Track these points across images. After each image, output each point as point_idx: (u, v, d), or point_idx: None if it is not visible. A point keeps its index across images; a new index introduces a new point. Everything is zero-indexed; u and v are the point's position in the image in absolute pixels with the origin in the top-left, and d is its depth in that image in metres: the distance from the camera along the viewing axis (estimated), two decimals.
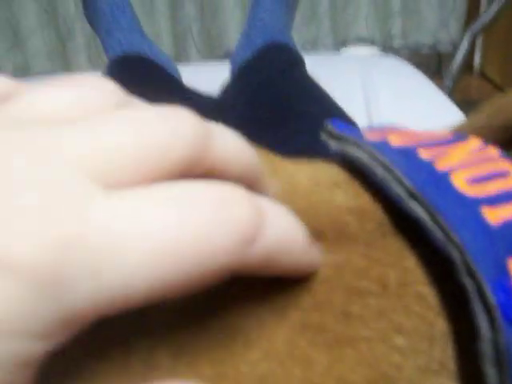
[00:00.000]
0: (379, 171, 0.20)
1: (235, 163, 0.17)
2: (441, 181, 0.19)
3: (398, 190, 0.19)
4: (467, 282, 0.17)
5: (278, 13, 1.02)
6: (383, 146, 0.21)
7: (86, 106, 0.16)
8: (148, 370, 0.16)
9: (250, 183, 0.18)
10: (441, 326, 0.18)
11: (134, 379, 0.16)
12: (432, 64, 2.22)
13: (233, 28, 1.95)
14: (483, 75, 2.31)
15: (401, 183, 0.19)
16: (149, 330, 0.16)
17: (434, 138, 0.23)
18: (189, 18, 1.94)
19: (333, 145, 0.23)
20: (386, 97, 1.00)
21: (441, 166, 0.20)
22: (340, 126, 0.24)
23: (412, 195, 0.19)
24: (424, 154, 0.21)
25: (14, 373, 0.12)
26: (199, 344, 0.16)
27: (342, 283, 0.18)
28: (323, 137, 0.24)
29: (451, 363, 0.17)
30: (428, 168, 0.20)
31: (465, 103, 1.04)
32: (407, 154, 0.21)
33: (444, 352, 0.17)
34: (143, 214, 0.13)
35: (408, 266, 0.19)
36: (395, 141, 0.22)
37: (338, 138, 0.23)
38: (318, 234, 0.19)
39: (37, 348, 0.13)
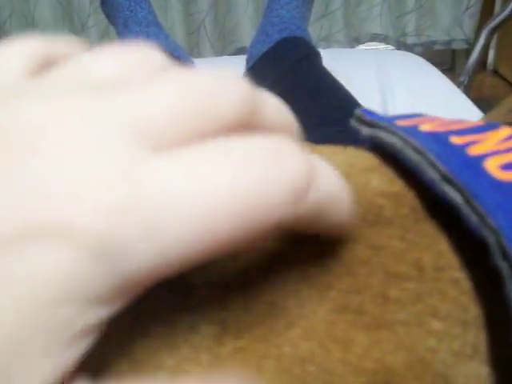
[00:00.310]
0: (413, 155, 0.20)
1: (280, 125, 0.17)
2: (474, 165, 0.19)
3: (431, 174, 0.19)
4: (503, 265, 0.17)
5: (294, 8, 1.02)
6: (415, 132, 0.21)
7: (133, 70, 0.16)
8: (191, 349, 0.16)
9: None
10: (474, 310, 0.18)
11: (178, 357, 0.16)
12: (445, 61, 2.21)
13: (246, 23, 1.94)
14: (496, 73, 2.30)
15: (434, 167, 0.19)
16: (192, 308, 0.16)
17: (465, 125, 0.23)
18: (202, 13, 1.94)
19: (364, 130, 0.23)
20: (402, 92, 1.00)
21: (473, 151, 0.20)
22: (370, 113, 0.24)
23: (446, 179, 0.19)
24: (456, 140, 0.21)
25: (73, 340, 0.13)
26: (242, 322, 0.16)
27: (380, 266, 0.18)
28: (353, 123, 0.24)
29: (484, 348, 0.17)
30: (461, 153, 0.20)
31: (478, 100, 1.04)
32: (439, 140, 0.21)
33: (477, 337, 0.17)
34: (195, 172, 0.13)
35: (442, 250, 0.19)
36: (426, 127, 0.22)
37: (369, 125, 0.23)
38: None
39: (93, 315, 0.13)
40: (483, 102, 1.07)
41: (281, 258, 0.17)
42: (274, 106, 0.17)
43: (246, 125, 0.15)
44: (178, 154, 0.13)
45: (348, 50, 1.39)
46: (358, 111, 0.24)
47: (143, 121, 0.14)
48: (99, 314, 0.13)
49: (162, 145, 0.14)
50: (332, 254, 0.18)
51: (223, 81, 0.15)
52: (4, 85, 0.16)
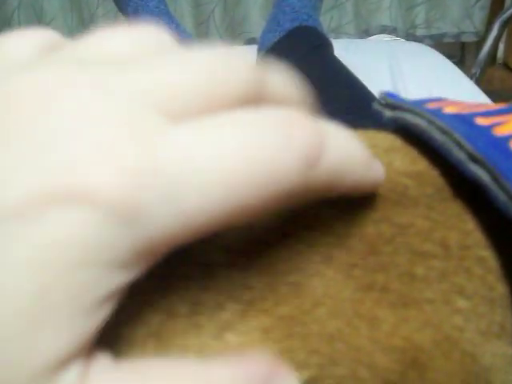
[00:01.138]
0: (438, 136, 0.20)
1: (290, 98, 0.17)
2: (501, 145, 0.19)
3: (458, 154, 0.19)
4: None
5: None
6: (439, 113, 0.21)
7: (144, 46, 0.16)
8: (216, 329, 0.16)
9: None
10: (501, 289, 0.18)
11: (203, 337, 0.16)
12: (455, 54, 2.20)
13: (255, 14, 1.94)
14: (506, 66, 2.28)
15: (461, 147, 0.19)
16: (217, 288, 0.17)
17: (489, 107, 0.23)
18: (211, 4, 1.94)
19: (388, 113, 0.23)
20: (414, 83, 1.00)
21: (499, 132, 0.20)
22: (394, 96, 0.24)
23: (473, 159, 0.19)
24: (481, 121, 0.21)
25: (95, 307, 0.13)
26: (267, 301, 0.16)
27: (406, 245, 0.18)
28: (376, 106, 0.24)
29: (511, 327, 0.17)
30: (487, 133, 0.20)
31: (489, 93, 1.04)
32: (465, 120, 0.21)
33: (504, 316, 0.17)
34: (214, 139, 0.13)
35: (468, 229, 0.19)
36: (450, 110, 0.22)
37: (392, 107, 0.23)
38: (378, 197, 0.19)
39: (115, 280, 0.13)
40: (494, 95, 1.06)
41: (303, 240, 0.17)
42: (281, 80, 0.17)
43: (256, 99, 0.16)
44: (197, 122, 0.14)
45: (359, 40, 1.39)
46: (382, 93, 0.24)
47: (158, 92, 0.14)
48: (120, 279, 0.13)
49: (177, 114, 0.14)
50: (355, 233, 0.18)
51: (233, 56, 0.15)
52: (19, 58, 0.16)
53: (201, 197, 0.13)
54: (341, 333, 0.16)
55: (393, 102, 0.23)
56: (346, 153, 0.16)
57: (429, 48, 1.16)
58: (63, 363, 0.12)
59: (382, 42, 1.26)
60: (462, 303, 0.17)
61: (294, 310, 0.16)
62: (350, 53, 1.01)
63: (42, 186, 0.12)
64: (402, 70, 1.04)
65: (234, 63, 0.15)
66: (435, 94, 0.96)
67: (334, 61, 0.87)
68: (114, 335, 0.15)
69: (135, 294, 0.15)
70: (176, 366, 0.14)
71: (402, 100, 0.23)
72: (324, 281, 0.17)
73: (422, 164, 0.20)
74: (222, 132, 0.14)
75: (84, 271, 0.12)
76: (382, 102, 0.24)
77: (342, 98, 0.72)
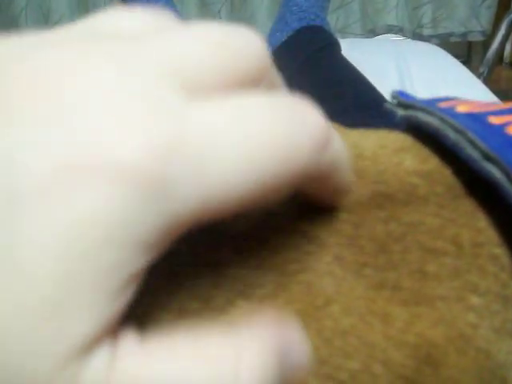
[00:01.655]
0: (451, 134, 0.20)
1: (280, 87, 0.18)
2: None
3: (472, 153, 0.19)
4: None
5: None
6: (452, 112, 0.22)
7: (159, 24, 0.16)
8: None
9: None
10: None
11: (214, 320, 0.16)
12: (462, 54, 2.19)
13: (262, 15, 1.94)
14: None
15: (475, 146, 0.19)
16: (227, 285, 0.17)
17: (501, 107, 0.23)
18: (218, 4, 1.94)
19: (400, 112, 0.23)
20: (422, 82, 0.99)
21: (511, 131, 0.20)
22: (406, 95, 0.24)
23: (487, 157, 0.19)
24: (494, 120, 0.21)
25: (120, 287, 0.13)
26: (280, 298, 0.17)
27: (416, 243, 0.18)
28: (388, 106, 0.24)
29: None
30: (500, 132, 0.20)
31: (496, 93, 1.03)
32: (478, 119, 0.21)
33: None
34: (238, 114, 0.14)
35: (481, 226, 0.19)
36: (463, 109, 0.22)
37: (404, 106, 0.23)
38: (386, 197, 0.19)
39: (140, 259, 0.13)
40: (501, 95, 1.06)
41: (313, 241, 0.18)
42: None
43: (262, 75, 0.16)
44: (220, 98, 0.14)
45: (366, 39, 1.38)
46: (394, 92, 0.24)
47: (181, 67, 0.14)
48: (144, 258, 0.13)
49: (198, 90, 0.14)
50: (364, 233, 0.18)
51: (245, 34, 0.16)
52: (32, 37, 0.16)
53: (225, 171, 0.13)
54: (354, 329, 0.16)
55: (405, 101, 0.23)
56: (342, 149, 0.17)
57: (436, 47, 1.16)
58: (90, 347, 0.12)
59: (389, 41, 1.26)
60: (475, 300, 0.17)
61: (307, 306, 0.17)
62: (356, 52, 1.01)
63: (68, 161, 0.12)
64: (410, 69, 1.03)
65: (248, 40, 0.16)
66: (443, 94, 0.96)
67: (342, 60, 0.87)
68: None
69: (145, 295, 0.15)
70: (202, 336, 0.14)
71: (415, 99, 0.23)
72: (335, 280, 0.17)
73: (432, 163, 0.21)
74: (246, 109, 0.14)
75: (110, 251, 0.12)
76: (394, 101, 0.24)
77: (349, 96, 0.72)
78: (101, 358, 0.12)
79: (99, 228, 0.12)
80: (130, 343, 0.13)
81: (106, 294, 0.12)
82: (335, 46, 0.91)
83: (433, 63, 1.06)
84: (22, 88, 0.13)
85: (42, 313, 0.12)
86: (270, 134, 0.14)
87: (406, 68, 1.04)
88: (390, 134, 0.23)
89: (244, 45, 0.16)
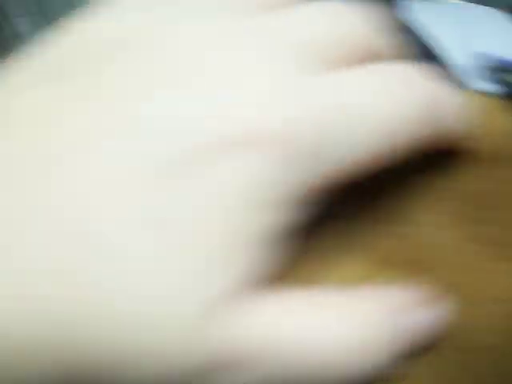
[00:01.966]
0: None
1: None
2: None
3: None
4: None
5: None
6: None
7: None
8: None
9: None
10: None
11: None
12: None
13: None
14: None
15: None
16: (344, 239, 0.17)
17: None
18: None
19: (489, 74, 0.22)
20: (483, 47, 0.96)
21: None
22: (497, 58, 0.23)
23: None
24: None
25: (273, 244, 0.14)
26: (376, 251, 0.17)
27: None
28: (474, 68, 0.24)
29: None
30: None
31: None
32: None
33: None
34: (364, 88, 0.14)
35: None
36: None
37: (494, 70, 0.23)
38: (478, 155, 0.19)
39: (292, 216, 0.14)
40: None
41: (410, 196, 0.18)
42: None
43: (370, 50, 0.16)
44: (343, 71, 0.15)
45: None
46: (480, 54, 0.23)
47: (305, 41, 0.15)
48: (295, 216, 0.14)
49: (322, 63, 0.15)
50: (458, 188, 0.18)
51: (365, 13, 0.16)
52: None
53: (352, 140, 0.14)
54: (457, 285, 0.17)
55: (496, 63, 0.23)
56: (452, 109, 0.17)
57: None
58: (241, 297, 0.13)
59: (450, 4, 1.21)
60: None
61: (407, 258, 0.17)
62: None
63: (221, 132, 0.13)
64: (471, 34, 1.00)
65: (364, 17, 0.16)
66: None
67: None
68: None
69: None
70: (320, 296, 0.15)
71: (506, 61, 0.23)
72: (435, 231, 0.17)
73: None
74: (370, 83, 0.15)
75: (264, 210, 0.13)
76: (482, 63, 0.23)
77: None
78: (248, 309, 0.13)
79: (255, 192, 0.13)
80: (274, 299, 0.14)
81: (265, 247, 0.13)
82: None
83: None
84: (184, 60, 0.14)
85: (206, 262, 0.13)
86: (395, 103, 0.14)
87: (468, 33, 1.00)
88: (477, 95, 0.23)
89: (361, 23, 0.16)
